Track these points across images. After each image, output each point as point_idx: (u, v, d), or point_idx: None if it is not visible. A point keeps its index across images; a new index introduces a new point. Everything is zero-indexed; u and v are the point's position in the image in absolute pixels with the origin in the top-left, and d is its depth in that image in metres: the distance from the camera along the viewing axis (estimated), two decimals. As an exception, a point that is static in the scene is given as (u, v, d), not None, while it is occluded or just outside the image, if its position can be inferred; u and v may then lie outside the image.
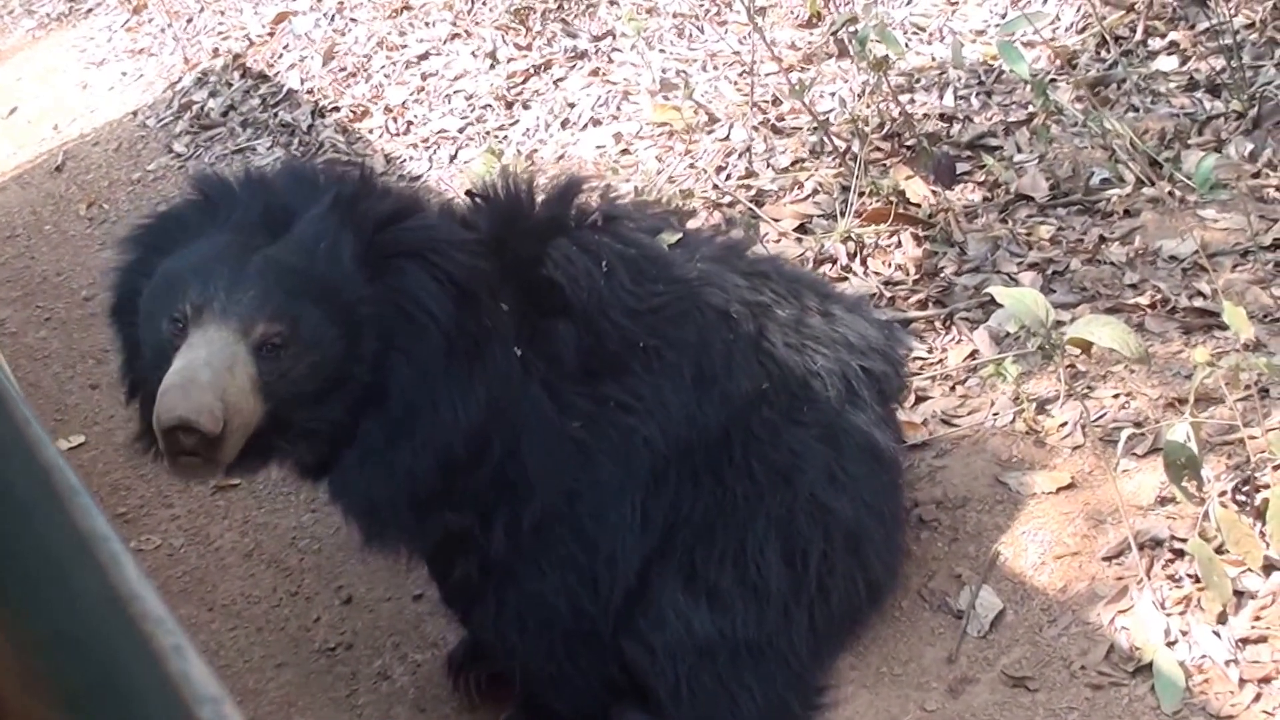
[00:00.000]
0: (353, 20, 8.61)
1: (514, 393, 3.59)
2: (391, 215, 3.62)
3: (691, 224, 4.56)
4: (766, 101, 6.40)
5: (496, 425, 3.59)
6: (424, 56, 8.03)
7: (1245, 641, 3.62)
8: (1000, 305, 4.09)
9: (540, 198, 3.91)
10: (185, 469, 3.46)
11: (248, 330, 3.37)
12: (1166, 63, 5.96)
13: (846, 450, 3.87)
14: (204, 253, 3.54)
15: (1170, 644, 3.66)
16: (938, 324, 5.00)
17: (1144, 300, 4.72)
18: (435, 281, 3.48)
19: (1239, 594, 3.70)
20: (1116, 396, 4.39)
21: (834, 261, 5.28)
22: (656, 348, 3.72)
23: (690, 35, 7.27)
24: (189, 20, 9.71)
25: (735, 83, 6.66)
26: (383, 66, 8.08)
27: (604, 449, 3.69)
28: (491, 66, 7.62)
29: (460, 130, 7.23)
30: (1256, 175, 5.17)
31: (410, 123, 7.49)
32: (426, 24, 8.27)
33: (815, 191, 5.74)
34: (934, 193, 5.44)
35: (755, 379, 3.79)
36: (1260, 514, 3.74)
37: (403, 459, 3.52)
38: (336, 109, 7.86)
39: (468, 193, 4.08)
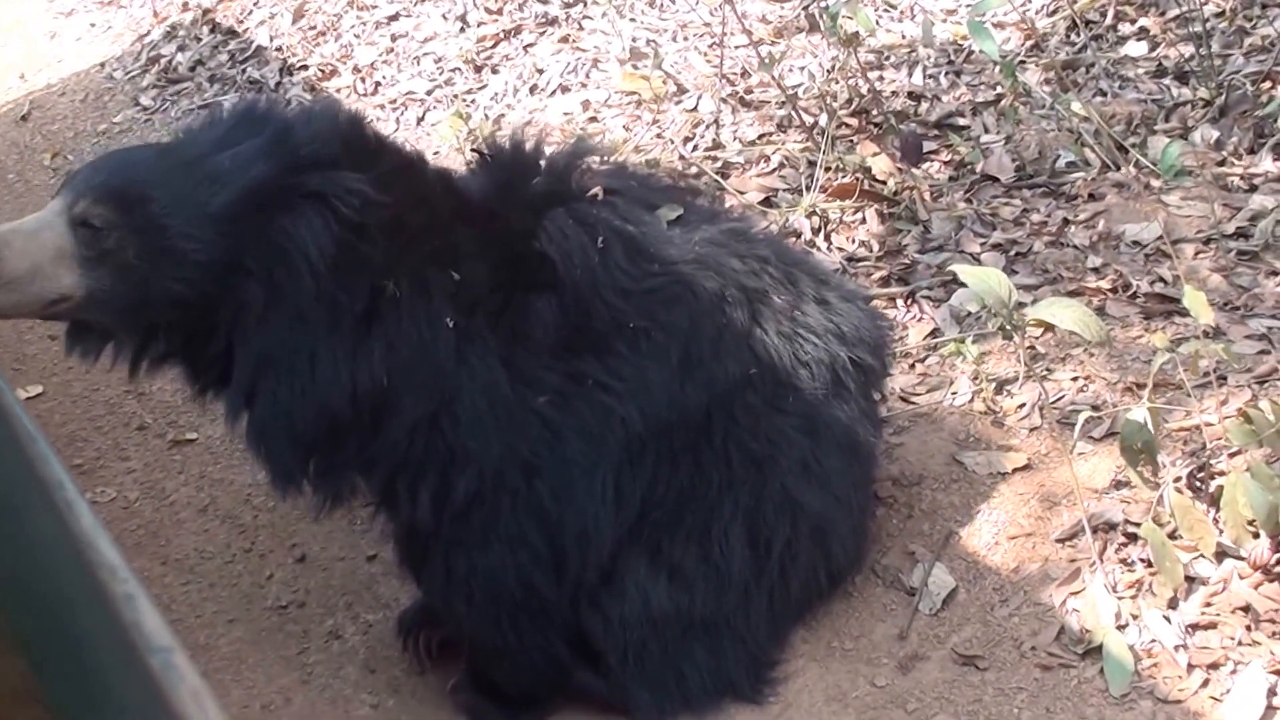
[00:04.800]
0: (324, -22, 8.58)
1: (440, 360, 3.52)
2: (315, 160, 3.50)
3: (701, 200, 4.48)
4: (735, 74, 6.40)
5: (409, 389, 3.53)
6: (394, 18, 8.00)
7: (1195, 627, 3.63)
8: (962, 284, 4.09)
9: (545, 164, 3.86)
10: None
11: (71, 206, 3.44)
12: (1136, 48, 5.98)
13: (824, 442, 3.84)
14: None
15: (1120, 627, 3.68)
16: (899, 301, 5.01)
17: (1105, 284, 4.74)
18: (324, 228, 3.40)
19: (1190, 579, 3.71)
20: (1075, 379, 4.40)
21: (798, 236, 5.28)
22: (646, 329, 3.65)
23: (661, 5, 7.26)
24: (159, -27, 9.67)
25: (705, 54, 6.66)
26: (352, 26, 8.05)
27: (574, 426, 3.62)
28: (462, 30, 7.60)
29: (428, 93, 7.21)
30: (1221, 163, 5.20)
31: (378, 83, 7.46)
32: (398, -16, 8.24)
33: (781, 165, 5.74)
34: (900, 170, 5.44)
35: (743, 364, 3.73)
36: (1214, 500, 3.76)
37: (281, 400, 3.49)
38: (305, 67, 7.83)
39: (474, 150, 4.04)
